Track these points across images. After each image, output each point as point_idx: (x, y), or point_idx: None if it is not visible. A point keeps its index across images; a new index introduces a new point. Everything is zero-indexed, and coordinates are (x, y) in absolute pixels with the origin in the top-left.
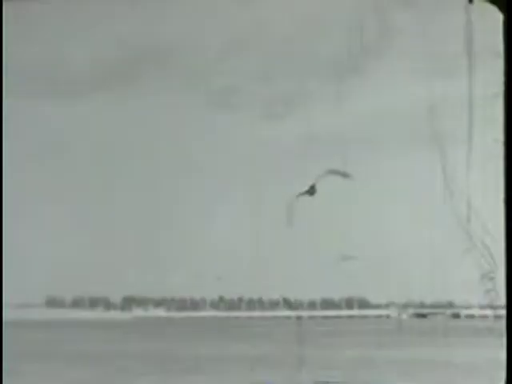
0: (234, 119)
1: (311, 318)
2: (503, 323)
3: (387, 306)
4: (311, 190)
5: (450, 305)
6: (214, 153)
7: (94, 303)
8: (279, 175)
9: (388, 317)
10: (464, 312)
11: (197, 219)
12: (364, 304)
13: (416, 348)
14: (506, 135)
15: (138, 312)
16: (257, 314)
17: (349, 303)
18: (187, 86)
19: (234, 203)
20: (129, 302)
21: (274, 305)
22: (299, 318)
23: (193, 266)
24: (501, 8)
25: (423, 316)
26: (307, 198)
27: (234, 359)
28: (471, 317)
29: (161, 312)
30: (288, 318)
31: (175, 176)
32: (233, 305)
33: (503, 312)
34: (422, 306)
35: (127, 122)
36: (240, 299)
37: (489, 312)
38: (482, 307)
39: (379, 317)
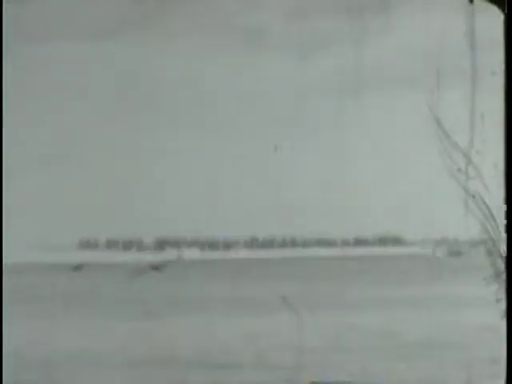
0: (263, 58)
1: (344, 256)
2: None
3: (421, 243)
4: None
5: (485, 242)
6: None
7: (127, 245)
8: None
9: (422, 254)
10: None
11: (228, 158)
12: (398, 241)
13: (444, 286)
14: (507, 135)
15: (171, 253)
16: (290, 253)
17: (382, 241)
18: (218, 25)
19: (268, 140)
20: (162, 244)
21: (306, 244)
22: (332, 256)
23: (225, 206)
24: (501, 8)
25: (458, 253)
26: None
27: (264, 299)
28: None
29: (194, 253)
30: (321, 256)
31: (203, 113)
32: (266, 244)
33: None
34: (457, 243)
35: (157, 61)
36: (273, 239)
37: None
38: None
39: (412, 254)
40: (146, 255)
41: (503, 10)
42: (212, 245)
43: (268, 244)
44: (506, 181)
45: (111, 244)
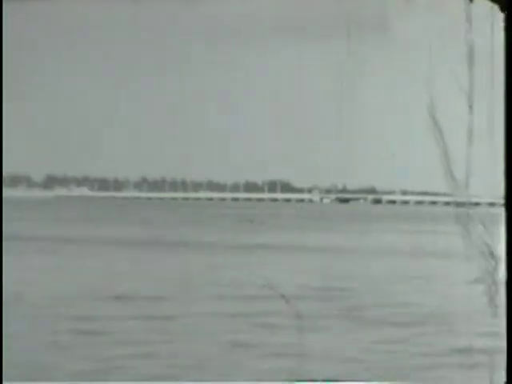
0: None
1: (234, 200)
2: (424, 209)
3: (310, 190)
4: None
5: (372, 190)
6: None
7: (15, 181)
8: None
9: (311, 201)
10: (385, 198)
11: (116, 99)
12: (287, 188)
13: (327, 232)
14: (507, 137)
15: (60, 191)
16: (180, 195)
17: (272, 186)
18: None
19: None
20: (51, 181)
21: (197, 186)
22: (223, 199)
23: (116, 146)
24: (501, 7)
25: (345, 201)
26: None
27: (149, 242)
28: (392, 202)
29: (83, 191)
30: (211, 199)
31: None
32: (156, 186)
33: (441, 199)
34: (345, 191)
35: None
36: (163, 180)
37: (410, 198)
38: (403, 193)
39: (301, 201)
40: (35, 192)
41: (503, 10)
42: (102, 184)
43: (158, 185)
44: (506, 181)
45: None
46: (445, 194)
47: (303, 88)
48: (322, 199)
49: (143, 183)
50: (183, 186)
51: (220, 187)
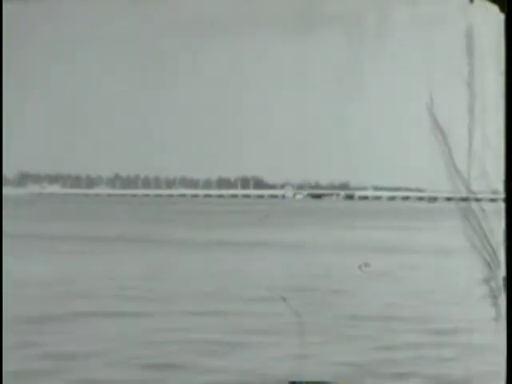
0: None
1: (207, 196)
2: (397, 205)
3: (283, 186)
4: None
5: (345, 186)
6: None
7: None
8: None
9: (283, 197)
10: (358, 193)
11: (90, 96)
12: (260, 184)
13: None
14: (506, 137)
15: (33, 188)
16: (152, 191)
17: (244, 183)
18: None
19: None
20: (24, 178)
21: (170, 183)
22: (195, 196)
23: (89, 143)
24: (501, 8)
25: (318, 197)
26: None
27: (119, 238)
28: (365, 198)
29: (56, 188)
30: (183, 196)
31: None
32: (129, 182)
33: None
34: (318, 186)
35: None
36: (136, 177)
37: (383, 193)
38: (376, 189)
39: (274, 196)
40: (8, 189)
41: (503, 10)
42: (74, 181)
43: (131, 182)
44: (505, 180)
45: None
46: (418, 190)
47: (278, 83)
48: (294, 195)
49: (116, 180)
50: (156, 182)
51: (193, 183)
